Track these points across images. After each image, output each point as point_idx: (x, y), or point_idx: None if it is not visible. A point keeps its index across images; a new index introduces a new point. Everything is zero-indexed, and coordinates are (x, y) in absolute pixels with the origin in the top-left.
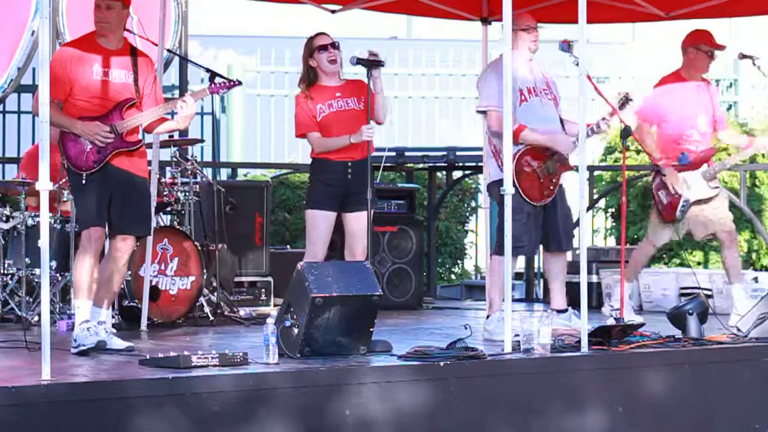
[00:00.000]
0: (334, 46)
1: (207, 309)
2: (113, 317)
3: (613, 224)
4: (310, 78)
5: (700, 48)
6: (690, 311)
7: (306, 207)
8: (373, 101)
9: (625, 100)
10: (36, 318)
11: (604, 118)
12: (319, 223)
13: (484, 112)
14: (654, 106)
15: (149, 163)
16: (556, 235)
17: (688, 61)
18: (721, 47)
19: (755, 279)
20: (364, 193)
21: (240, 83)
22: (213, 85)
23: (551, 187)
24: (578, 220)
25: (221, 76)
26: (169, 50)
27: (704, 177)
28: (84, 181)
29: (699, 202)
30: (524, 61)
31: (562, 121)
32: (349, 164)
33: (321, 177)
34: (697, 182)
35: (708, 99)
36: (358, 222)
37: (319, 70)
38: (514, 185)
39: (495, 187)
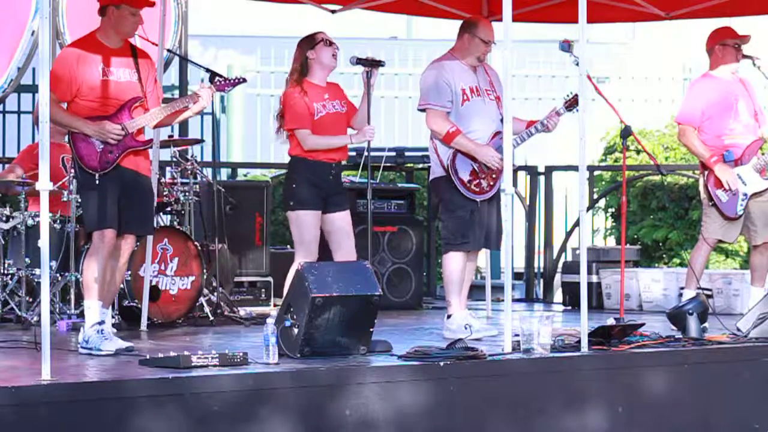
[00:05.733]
0: (335, 45)
1: (207, 309)
2: (113, 317)
3: (613, 224)
4: (302, 71)
5: (725, 43)
6: (690, 311)
7: (293, 208)
8: (368, 102)
9: (574, 102)
10: (36, 318)
11: (551, 116)
12: (311, 223)
13: (424, 110)
14: (691, 108)
15: (150, 162)
16: (489, 234)
17: (715, 59)
18: (746, 38)
19: None
20: (341, 194)
21: (244, 80)
22: (218, 83)
23: (492, 183)
24: (578, 220)
25: (221, 76)
26: (169, 50)
27: (755, 169)
28: (97, 181)
29: (754, 195)
30: (466, 64)
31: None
32: (333, 166)
33: (308, 176)
34: (750, 175)
35: (744, 90)
36: (343, 221)
37: (316, 64)
38: (454, 184)
39: (436, 184)
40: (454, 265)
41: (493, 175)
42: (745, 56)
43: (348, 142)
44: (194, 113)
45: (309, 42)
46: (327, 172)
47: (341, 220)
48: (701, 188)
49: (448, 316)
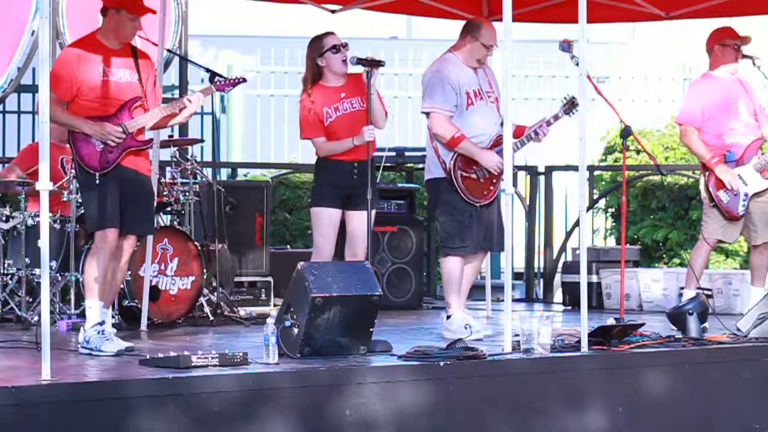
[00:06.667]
0: (345, 46)
1: (207, 309)
2: (113, 317)
3: (613, 224)
4: (314, 78)
5: (725, 44)
6: (690, 311)
7: (312, 205)
8: (369, 102)
9: (572, 105)
10: (36, 318)
11: (541, 126)
12: (327, 219)
13: (427, 113)
14: (691, 109)
15: (150, 162)
16: (490, 235)
17: (715, 59)
18: (746, 39)
19: None
20: (362, 194)
21: (244, 80)
22: (218, 83)
23: (491, 188)
24: (578, 220)
25: (221, 76)
26: (169, 50)
27: (756, 169)
28: (97, 181)
29: (755, 195)
30: (468, 66)
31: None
32: (356, 164)
33: (328, 177)
34: (751, 175)
35: (743, 90)
36: (360, 221)
37: (327, 70)
38: (454, 187)
39: (433, 184)
40: (453, 267)
41: (494, 180)
42: (745, 56)
43: (350, 145)
44: (184, 119)
45: (317, 47)
46: (349, 171)
47: (357, 220)
48: (702, 189)
49: (448, 317)
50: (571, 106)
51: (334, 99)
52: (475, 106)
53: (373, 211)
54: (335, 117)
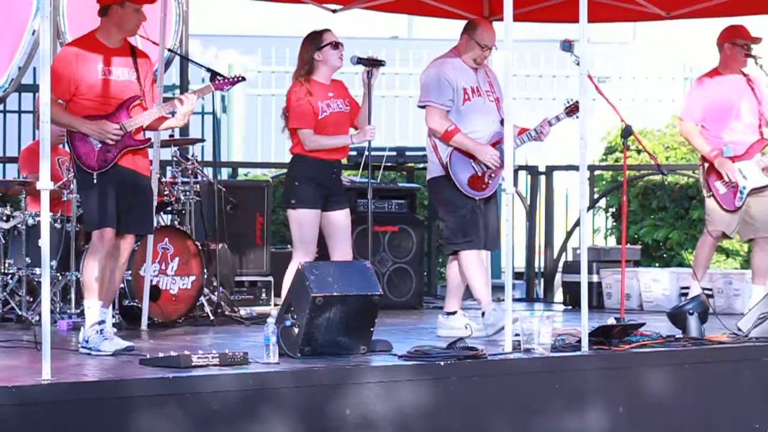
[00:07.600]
0: (342, 46)
1: (207, 308)
2: (113, 317)
3: (614, 224)
4: (307, 71)
5: (735, 42)
6: (690, 311)
7: (295, 206)
8: (369, 102)
9: (574, 109)
10: (36, 317)
11: (542, 125)
12: (312, 222)
13: (423, 107)
14: (693, 103)
15: (150, 162)
16: (488, 233)
17: (724, 57)
18: (757, 39)
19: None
20: (342, 193)
21: (243, 78)
22: (217, 82)
23: (489, 182)
24: (579, 220)
25: (222, 75)
26: (169, 50)
27: (758, 166)
28: (95, 181)
29: (755, 191)
30: (467, 64)
31: (502, 121)
32: (335, 164)
33: (309, 175)
34: (752, 171)
35: (749, 90)
36: (342, 220)
37: (323, 65)
38: (453, 182)
39: (433, 184)
40: (470, 262)
41: (492, 174)
42: (747, 55)
43: (349, 142)
44: (180, 121)
45: (316, 42)
46: (329, 170)
47: (342, 219)
48: (701, 179)
49: (482, 314)
50: (573, 110)
51: (325, 96)
52: (472, 102)
53: (347, 210)
54: (329, 113)
